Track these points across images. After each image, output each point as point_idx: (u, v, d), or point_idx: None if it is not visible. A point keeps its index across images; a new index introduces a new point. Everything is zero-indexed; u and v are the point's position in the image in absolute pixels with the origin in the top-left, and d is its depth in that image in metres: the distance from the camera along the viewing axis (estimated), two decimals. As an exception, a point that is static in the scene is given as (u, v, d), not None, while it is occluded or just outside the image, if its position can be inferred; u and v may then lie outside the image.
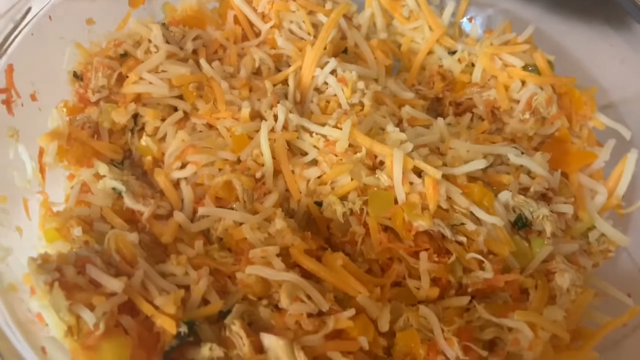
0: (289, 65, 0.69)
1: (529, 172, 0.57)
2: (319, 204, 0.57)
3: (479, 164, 0.54)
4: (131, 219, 0.55)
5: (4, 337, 0.38)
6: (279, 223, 0.52)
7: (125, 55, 0.62)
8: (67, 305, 0.42)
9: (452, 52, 0.70)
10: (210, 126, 0.62)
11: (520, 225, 0.54)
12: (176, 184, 0.58)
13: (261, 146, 0.57)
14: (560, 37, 0.74)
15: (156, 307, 0.45)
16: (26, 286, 0.44)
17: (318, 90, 0.66)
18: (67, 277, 0.44)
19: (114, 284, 0.44)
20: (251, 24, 0.72)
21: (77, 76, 0.59)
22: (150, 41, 0.63)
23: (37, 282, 0.42)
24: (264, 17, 0.71)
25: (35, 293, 0.43)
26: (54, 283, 0.42)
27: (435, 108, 0.72)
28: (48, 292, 0.42)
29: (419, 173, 0.55)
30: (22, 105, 0.52)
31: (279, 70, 0.70)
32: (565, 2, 0.77)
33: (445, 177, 0.54)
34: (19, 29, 0.52)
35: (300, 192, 0.57)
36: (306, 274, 0.51)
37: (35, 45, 0.53)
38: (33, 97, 0.54)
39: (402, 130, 0.61)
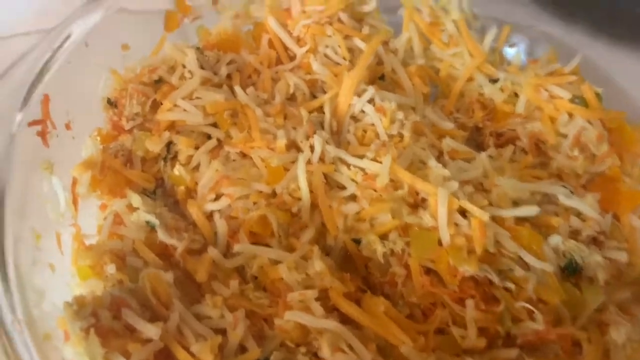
0: (324, 91, 0.67)
1: (578, 214, 0.54)
2: (357, 241, 0.55)
3: (530, 210, 0.51)
4: (164, 253, 0.54)
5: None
6: (318, 265, 0.50)
7: (159, 81, 0.61)
8: (103, 353, 0.40)
9: (493, 80, 0.68)
10: (244, 155, 0.61)
11: (571, 271, 0.51)
12: (209, 215, 0.57)
13: (299, 180, 0.55)
14: (605, 63, 0.72)
15: (193, 355, 0.43)
16: (59, 331, 0.43)
17: (354, 118, 0.64)
18: (102, 321, 0.42)
19: (151, 330, 0.42)
20: (286, 48, 0.70)
21: (111, 103, 0.58)
22: (184, 66, 0.62)
23: (73, 328, 0.41)
24: (299, 40, 0.70)
25: (69, 339, 0.41)
26: (90, 330, 0.41)
27: (475, 137, 0.69)
28: (84, 339, 0.40)
29: (463, 212, 0.52)
30: (57, 135, 0.51)
31: (314, 96, 0.68)
32: (611, 27, 0.74)
33: (492, 217, 0.52)
34: (55, 58, 0.50)
35: (338, 228, 0.55)
36: (345, 318, 0.49)
37: (71, 73, 0.52)
38: (67, 127, 0.53)
39: (443, 164, 0.59)
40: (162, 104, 0.59)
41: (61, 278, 0.48)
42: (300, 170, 0.55)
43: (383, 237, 0.54)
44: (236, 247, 0.52)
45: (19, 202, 0.45)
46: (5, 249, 0.41)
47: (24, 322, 0.40)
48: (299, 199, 0.56)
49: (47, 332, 0.41)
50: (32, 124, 0.48)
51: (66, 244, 0.50)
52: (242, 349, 0.46)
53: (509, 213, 0.52)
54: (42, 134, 0.49)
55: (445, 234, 0.51)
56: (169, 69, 0.62)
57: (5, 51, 0.82)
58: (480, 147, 0.68)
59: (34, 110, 0.49)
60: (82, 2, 0.85)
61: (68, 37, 0.51)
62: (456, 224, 0.51)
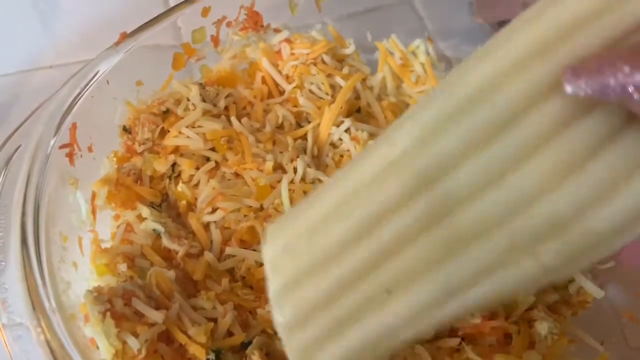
0: (309, 121, 0.78)
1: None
2: (331, 249, 0.65)
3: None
4: (167, 257, 0.63)
5: (70, 358, 0.46)
6: (296, 266, 0.60)
7: (167, 112, 0.71)
8: (116, 332, 0.50)
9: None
10: (237, 175, 0.71)
11: (507, 276, 0.61)
12: (206, 226, 0.67)
13: (282, 197, 0.66)
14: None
15: (189, 337, 0.53)
16: (81, 314, 0.53)
17: (333, 145, 0.75)
18: (116, 308, 0.52)
19: (156, 316, 0.52)
20: (276, 84, 0.81)
21: (126, 130, 0.69)
22: (188, 100, 0.72)
23: (92, 311, 0.50)
24: (287, 78, 0.81)
25: (89, 321, 0.51)
26: (106, 313, 0.50)
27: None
28: (101, 321, 0.50)
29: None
30: (81, 156, 0.61)
31: (300, 125, 0.79)
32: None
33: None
34: (82, 93, 0.61)
35: (315, 238, 0.65)
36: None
37: (94, 105, 0.63)
38: (90, 149, 0.63)
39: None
40: (169, 131, 0.70)
41: (82, 274, 0.57)
42: (284, 188, 0.66)
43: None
44: (228, 250, 0.62)
45: (51, 211, 0.55)
46: (41, 249, 0.51)
47: (55, 307, 0.49)
48: (282, 213, 0.66)
49: (72, 313, 0.50)
50: (62, 147, 0.58)
51: (86, 247, 0.60)
52: (230, 334, 0.56)
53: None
54: (70, 155, 0.59)
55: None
56: (175, 101, 0.73)
57: (32, 83, 0.93)
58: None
59: (64, 135, 0.59)
60: (99, 39, 0.97)
61: (94, 76, 0.62)
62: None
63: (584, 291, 0.62)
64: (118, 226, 0.64)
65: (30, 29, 1.00)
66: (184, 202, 0.69)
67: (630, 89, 0.23)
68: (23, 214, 0.52)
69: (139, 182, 0.69)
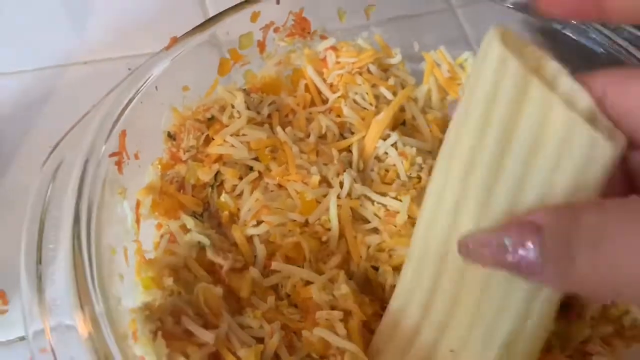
0: (351, 132, 0.77)
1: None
2: (376, 268, 0.63)
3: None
4: (210, 270, 0.62)
5: (125, 382, 0.44)
6: (344, 288, 0.58)
7: (212, 119, 0.70)
8: (167, 352, 0.49)
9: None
10: (280, 186, 0.69)
11: (563, 307, 0.59)
12: (249, 238, 0.65)
13: (330, 214, 0.64)
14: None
15: (239, 358, 0.51)
16: (129, 331, 0.51)
17: (378, 159, 0.73)
18: (166, 326, 0.50)
19: (207, 336, 0.51)
20: (319, 92, 0.79)
21: (170, 136, 0.67)
22: (233, 107, 0.71)
23: (143, 330, 0.49)
24: (331, 86, 0.79)
25: (137, 339, 0.50)
26: (158, 332, 0.49)
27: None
28: (152, 340, 0.49)
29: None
30: (128, 164, 0.60)
31: (342, 136, 0.77)
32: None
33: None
34: (133, 98, 0.60)
35: (361, 256, 0.64)
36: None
37: (142, 111, 0.61)
38: (136, 156, 0.61)
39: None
40: (213, 139, 0.69)
41: (127, 287, 0.56)
42: (332, 205, 0.64)
43: (399, 266, 0.62)
44: (274, 265, 0.60)
45: (100, 222, 0.54)
46: (92, 261, 0.50)
47: (108, 324, 0.48)
48: (329, 229, 0.64)
49: (124, 331, 0.49)
50: (111, 155, 0.56)
51: (130, 257, 0.59)
52: (276, 356, 0.54)
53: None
54: (119, 163, 0.58)
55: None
56: (220, 108, 0.71)
57: (66, 78, 0.92)
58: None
59: (114, 142, 0.58)
60: (131, 36, 0.95)
61: (145, 82, 0.60)
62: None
63: (639, 323, 0.60)
64: (161, 236, 0.63)
65: (62, 25, 0.98)
66: (226, 212, 0.68)
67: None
68: (75, 224, 0.51)
69: (181, 190, 0.68)
